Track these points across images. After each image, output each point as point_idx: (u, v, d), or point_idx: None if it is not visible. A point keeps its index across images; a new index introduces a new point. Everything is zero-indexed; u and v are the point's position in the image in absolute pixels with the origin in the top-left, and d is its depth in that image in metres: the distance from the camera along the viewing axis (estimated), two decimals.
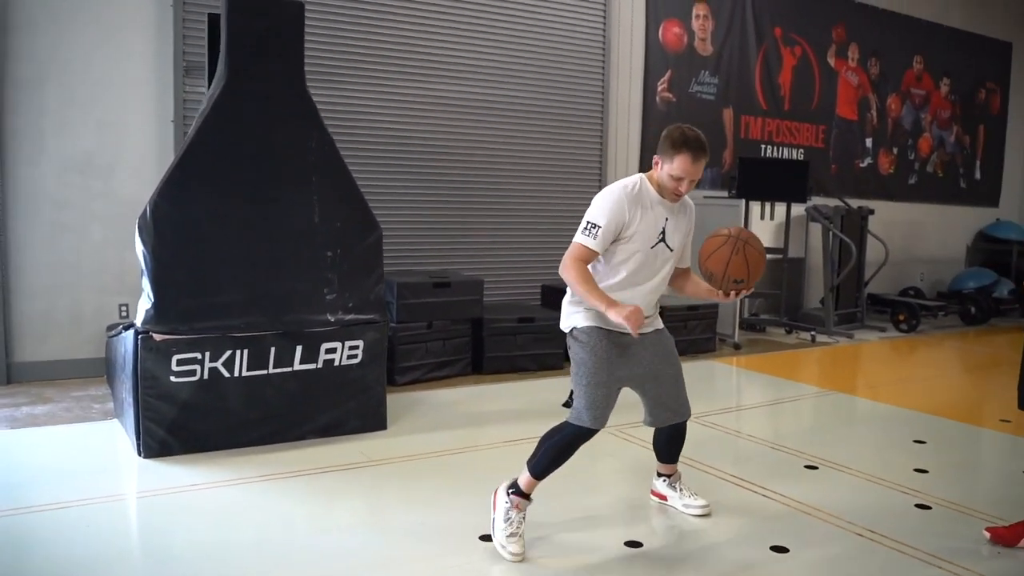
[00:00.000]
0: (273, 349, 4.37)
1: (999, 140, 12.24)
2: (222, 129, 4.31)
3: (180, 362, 4.14)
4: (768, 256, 8.35)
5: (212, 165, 4.27)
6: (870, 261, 9.43)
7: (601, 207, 3.09)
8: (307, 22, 4.85)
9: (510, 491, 3.26)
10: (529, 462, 3.25)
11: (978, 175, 11.98)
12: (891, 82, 10.66)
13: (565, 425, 3.21)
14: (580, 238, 3.09)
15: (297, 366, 4.45)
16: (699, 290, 3.36)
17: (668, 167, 3.09)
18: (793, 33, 9.45)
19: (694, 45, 8.60)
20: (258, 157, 4.37)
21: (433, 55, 6.99)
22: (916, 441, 4.88)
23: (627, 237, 3.11)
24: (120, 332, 4.50)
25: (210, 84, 4.76)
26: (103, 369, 5.53)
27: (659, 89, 8.34)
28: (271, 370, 4.38)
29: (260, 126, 4.38)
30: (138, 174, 5.84)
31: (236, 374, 4.28)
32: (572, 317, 3.25)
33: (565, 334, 3.30)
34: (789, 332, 8.77)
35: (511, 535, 3.17)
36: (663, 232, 3.17)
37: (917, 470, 4.32)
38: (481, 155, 7.32)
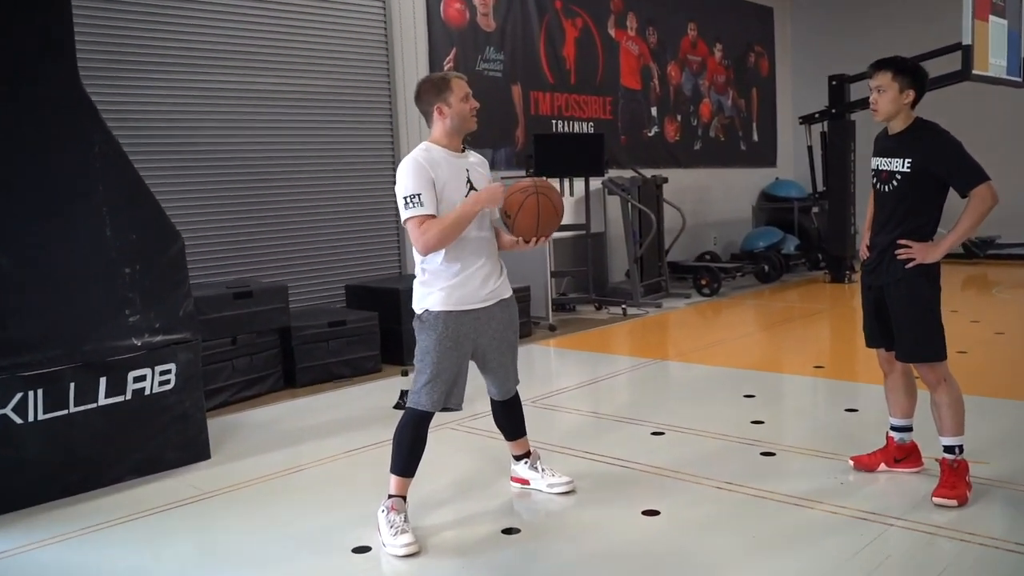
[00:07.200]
0: (73, 384, 4.14)
1: (771, 101, 13.62)
2: None
3: None
4: (571, 232, 8.99)
5: None
6: (667, 229, 10.21)
7: (407, 179, 3.35)
8: (76, 15, 4.61)
9: (384, 502, 3.47)
10: (391, 468, 3.51)
11: (756, 137, 13.28)
12: (669, 50, 11.57)
13: (404, 413, 3.51)
14: (411, 212, 3.32)
15: (103, 400, 4.24)
16: (503, 241, 3.63)
17: (454, 99, 3.43)
18: (573, 4, 10.01)
19: (477, 20, 8.90)
20: (32, 167, 4.11)
21: (217, 48, 6.81)
22: (746, 396, 5.44)
23: (440, 192, 3.37)
24: None
25: None
26: None
27: (445, 69, 8.56)
28: (72, 409, 4.15)
29: (33, 132, 4.12)
30: None
31: (31, 419, 4.02)
32: (424, 299, 3.48)
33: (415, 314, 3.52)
34: (599, 308, 9.33)
35: (397, 534, 3.37)
36: (468, 180, 3.47)
37: (754, 422, 4.85)
38: (270, 152, 7.20)
